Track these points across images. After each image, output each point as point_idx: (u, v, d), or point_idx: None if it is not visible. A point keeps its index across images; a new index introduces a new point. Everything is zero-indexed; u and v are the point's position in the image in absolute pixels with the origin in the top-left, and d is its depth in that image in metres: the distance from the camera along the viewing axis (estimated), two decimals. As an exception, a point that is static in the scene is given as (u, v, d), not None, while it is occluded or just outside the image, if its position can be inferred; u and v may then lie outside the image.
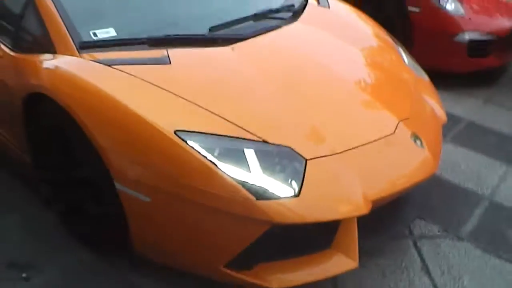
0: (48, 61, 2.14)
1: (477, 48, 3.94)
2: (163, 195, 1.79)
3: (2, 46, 2.38)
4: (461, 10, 3.94)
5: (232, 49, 2.29)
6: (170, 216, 1.84)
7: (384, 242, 2.35)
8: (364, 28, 2.91)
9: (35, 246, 2.28)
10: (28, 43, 2.35)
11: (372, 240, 2.16)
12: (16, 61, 2.30)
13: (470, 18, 3.94)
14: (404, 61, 2.72)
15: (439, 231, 2.48)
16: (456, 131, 3.45)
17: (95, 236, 2.19)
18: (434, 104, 2.56)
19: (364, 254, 2.06)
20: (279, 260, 1.91)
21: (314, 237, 1.95)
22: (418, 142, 2.14)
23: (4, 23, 2.45)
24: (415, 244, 2.39)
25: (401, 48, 2.86)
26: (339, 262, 1.93)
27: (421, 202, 2.42)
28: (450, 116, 3.52)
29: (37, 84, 2.09)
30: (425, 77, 2.76)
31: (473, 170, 2.99)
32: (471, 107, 3.82)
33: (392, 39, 2.90)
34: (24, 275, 2.12)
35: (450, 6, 3.91)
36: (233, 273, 1.83)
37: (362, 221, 1.91)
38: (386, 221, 2.23)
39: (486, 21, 4.07)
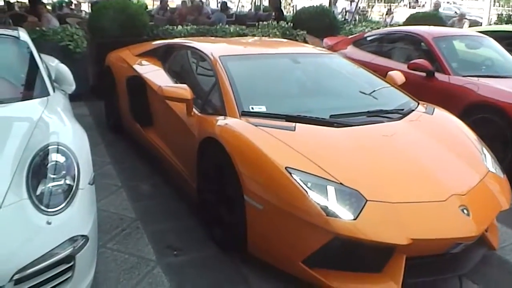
0: (220, 120, 3.64)
1: None
2: (271, 205, 3.03)
3: (195, 110, 3.96)
4: None
5: (340, 129, 3.54)
6: (272, 221, 3.07)
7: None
8: (454, 131, 3.95)
9: (186, 240, 3.69)
10: (210, 109, 3.97)
11: (423, 278, 3.09)
12: (201, 119, 3.88)
13: None
14: (483, 159, 3.64)
15: (486, 293, 3.26)
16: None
17: (225, 238, 3.50)
18: (499, 194, 3.43)
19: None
20: (342, 270, 2.98)
21: (369, 260, 2.98)
22: (465, 211, 3.07)
23: (197, 98, 4.08)
24: (460, 295, 3.22)
25: (486, 149, 3.79)
26: (386, 284, 2.92)
27: (481, 273, 3.34)
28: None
29: (212, 132, 3.58)
30: (501, 175, 3.64)
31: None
32: None
33: (479, 142, 3.85)
34: (174, 253, 3.52)
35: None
36: (307, 269, 2.94)
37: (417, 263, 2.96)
38: (436, 270, 3.15)
39: None
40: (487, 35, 7.19)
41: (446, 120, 4.13)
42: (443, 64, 5.91)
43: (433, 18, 11.18)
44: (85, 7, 22.52)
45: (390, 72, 4.85)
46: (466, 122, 4.19)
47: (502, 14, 15.64)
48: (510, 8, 23.93)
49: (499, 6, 39.41)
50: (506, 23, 12.87)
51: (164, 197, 4.44)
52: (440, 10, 33.40)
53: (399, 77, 4.82)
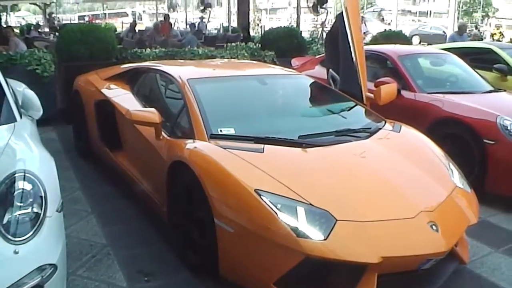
0: (189, 143, 3.64)
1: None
2: (241, 228, 3.03)
3: (163, 134, 3.96)
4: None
5: (309, 150, 3.57)
6: (243, 243, 3.06)
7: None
8: (421, 148, 4.01)
9: (158, 264, 3.65)
10: (179, 132, 3.97)
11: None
12: (170, 143, 3.88)
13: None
14: (450, 175, 3.71)
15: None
16: (513, 245, 4.19)
17: (196, 262, 3.47)
18: (467, 209, 3.50)
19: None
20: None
21: (341, 279, 3.00)
22: (434, 227, 3.11)
23: (166, 121, 4.07)
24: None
25: (453, 165, 3.85)
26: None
27: (453, 287, 3.41)
28: (510, 233, 4.34)
29: (180, 156, 3.58)
30: (468, 190, 3.70)
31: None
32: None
33: (446, 158, 3.91)
34: (145, 278, 3.48)
35: (524, 140, 4.81)
36: (278, 290, 2.93)
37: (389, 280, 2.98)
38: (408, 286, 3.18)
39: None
40: (450, 51, 7.38)
41: (413, 137, 4.20)
42: (409, 82, 6.02)
43: (399, 36, 11.42)
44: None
45: (382, 86, 4.93)
46: (433, 138, 4.26)
47: (465, 31, 16.04)
48: (473, 24, 24.66)
49: (463, 23, 40.54)
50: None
51: (135, 221, 4.39)
52: (427, 29, 33.68)
53: (387, 93, 4.90)
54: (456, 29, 13.81)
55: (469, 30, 15.61)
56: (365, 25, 17.83)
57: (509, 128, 4.88)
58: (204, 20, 20.12)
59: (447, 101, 5.53)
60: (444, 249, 3.08)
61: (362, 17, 18.60)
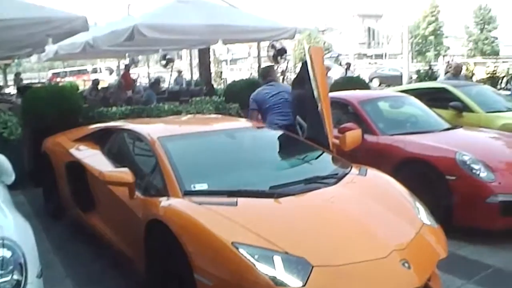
0: (164, 201, 3.70)
1: (508, 208, 4.89)
2: (221, 281, 3.08)
3: (137, 192, 4.00)
4: (492, 177, 5.02)
5: (280, 200, 3.69)
6: (223, 296, 3.09)
7: None
8: (387, 189, 4.16)
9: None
10: (152, 190, 4.02)
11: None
12: (144, 201, 3.93)
13: (500, 183, 4.99)
14: (417, 213, 3.86)
15: None
16: (483, 275, 4.31)
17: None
18: (436, 244, 3.65)
19: None
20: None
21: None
22: (406, 265, 3.23)
23: (139, 180, 4.11)
24: None
25: (419, 203, 4.01)
26: None
27: None
28: (480, 264, 4.47)
29: (156, 214, 3.64)
30: (435, 225, 3.85)
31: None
32: (503, 257, 4.65)
33: (412, 197, 4.06)
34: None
35: (483, 174, 5.02)
36: None
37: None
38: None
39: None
40: (408, 93, 7.70)
41: (379, 180, 4.35)
42: (371, 126, 6.24)
43: (357, 81, 11.81)
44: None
45: (347, 133, 5.10)
46: (399, 178, 4.41)
47: (419, 71, 16.66)
48: (425, 64, 25.70)
49: (417, 62, 42.11)
50: (428, 79, 13.65)
51: (111, 280, 4.39)
52: (386, 71, 34.56)
53: (352, 139, 5.06)
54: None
55: (424, 69, 16.11)
56: (351, 70, 18.00)
57: (468, 163, 5.10)
58: (181, 74, 20.33)
59: (409, 141, 5.76)
60: (417, 285, 3.19)
61: (348, 63, 18.95)
